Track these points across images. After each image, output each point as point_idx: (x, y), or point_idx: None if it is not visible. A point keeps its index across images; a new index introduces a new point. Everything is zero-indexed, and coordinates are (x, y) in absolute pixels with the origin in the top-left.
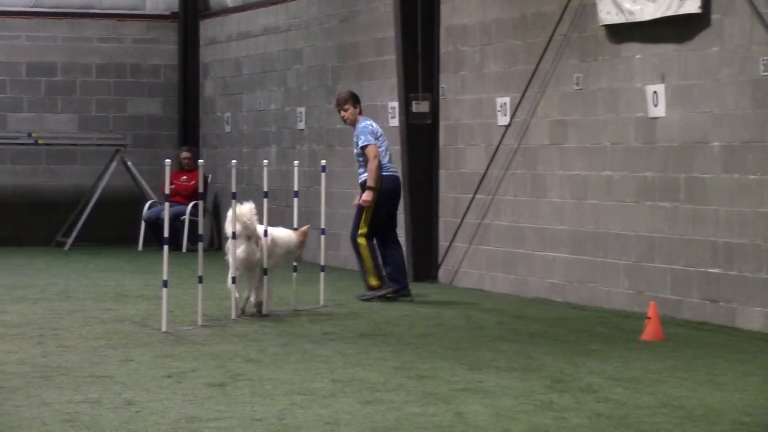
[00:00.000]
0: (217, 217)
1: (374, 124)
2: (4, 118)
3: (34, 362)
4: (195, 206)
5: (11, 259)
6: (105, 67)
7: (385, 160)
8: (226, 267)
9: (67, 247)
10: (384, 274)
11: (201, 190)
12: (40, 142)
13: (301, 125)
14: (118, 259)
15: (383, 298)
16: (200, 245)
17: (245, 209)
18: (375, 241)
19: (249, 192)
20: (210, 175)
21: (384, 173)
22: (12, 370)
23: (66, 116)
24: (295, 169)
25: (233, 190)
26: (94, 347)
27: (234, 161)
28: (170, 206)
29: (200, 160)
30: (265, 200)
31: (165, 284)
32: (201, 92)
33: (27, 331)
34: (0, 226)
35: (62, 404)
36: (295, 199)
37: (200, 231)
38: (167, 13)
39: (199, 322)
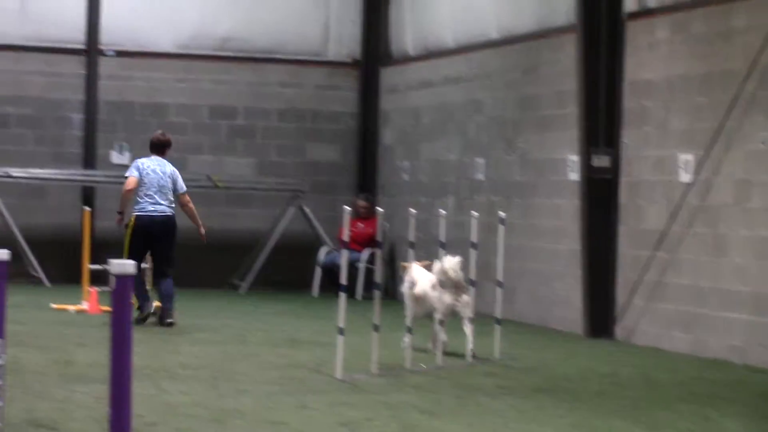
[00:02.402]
0: (392, 265)
1: (145, 163)
2: (185, 160)
3: (208, 404)
4: (371, 254)
5: (187, 301)
6: (286, 112)
7: (142, 200)
8: (400, 314)
9: (242, 291)
10: (144, 301)
11: (379, 238)
12: (219, 185)
13: (480, 176)
14: (293, 304)
15: (138, 322)
16: (377, 294)
17: (454, 262)
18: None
19: (426, 242)
20: (387, 224)
21: (135, 212)
22: (187, 412)
23: (245, 160)
24: (473, 220)
25: (411, 239)
26: (269, 392)
27: (413, 210)
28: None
29: (379, 209)
30: (442, 250)
31: (341, 332)
32: (380, 140)
33: (202, 373)
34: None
35: None
36: (472, 251)
37: (377, 279)
38: (349, 60)
39: (374, 370)
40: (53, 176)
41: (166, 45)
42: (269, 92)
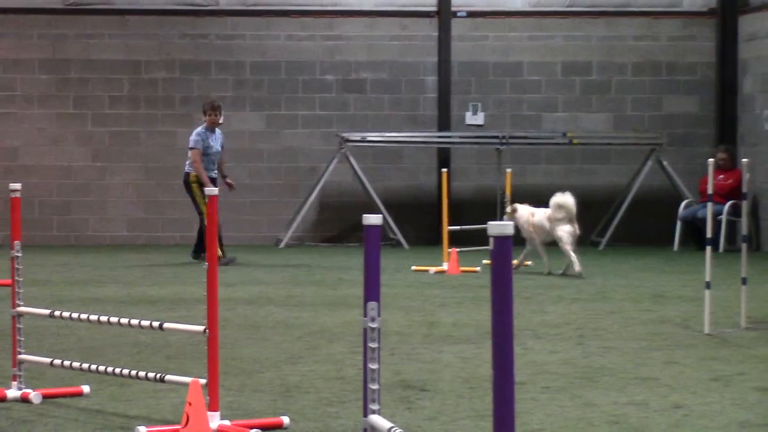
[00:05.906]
0: (755, 217)
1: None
2: (539, 118)
3: (575, 362)
4: (732, 206)
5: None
6: (640, 65)
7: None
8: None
9: (601, 247)
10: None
11: (745, 189)
12: (574, 141)
13: None
14: (654, 259)
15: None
16: (743, 246)
17: (569, 199)
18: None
19: None
20: (749, 174)
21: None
22: (555, 370)
23: (601, 115)
24: None
25: None
26: (636, 348)
27: None
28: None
29: (744, 160)
30: None
31: (707, 285)
32: (739, 90)
33: (567, 331)
34: None
35: (608, 406)
36: None
37: (744, 231)
38: (704, 9)
39: (743, 324)
40: (409, 139)
41: (517, 3)
42: (623, 46)
